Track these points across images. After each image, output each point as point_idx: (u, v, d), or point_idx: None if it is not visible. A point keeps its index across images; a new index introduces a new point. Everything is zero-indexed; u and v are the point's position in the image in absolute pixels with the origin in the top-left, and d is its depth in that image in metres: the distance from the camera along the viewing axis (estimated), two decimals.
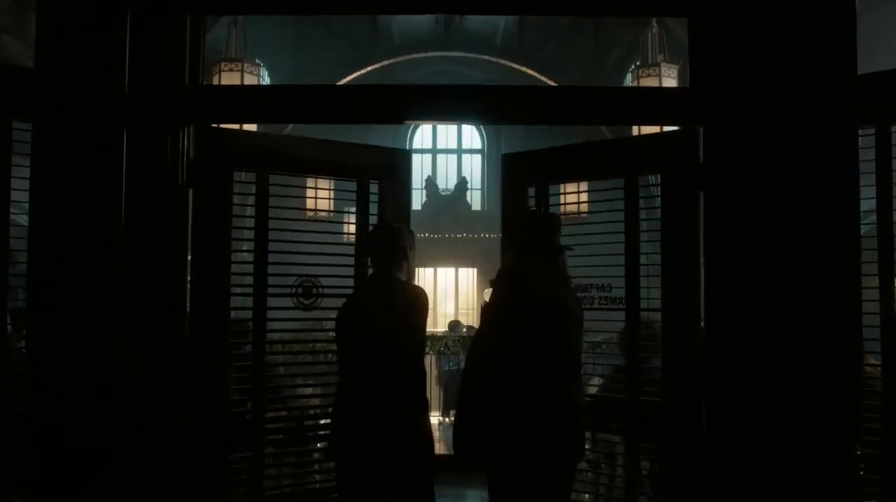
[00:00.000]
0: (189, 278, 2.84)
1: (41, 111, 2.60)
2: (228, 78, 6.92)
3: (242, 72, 6.90)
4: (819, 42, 2.61)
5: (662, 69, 6.91)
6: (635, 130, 6.85)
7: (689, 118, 2.80)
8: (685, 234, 2.88)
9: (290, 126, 15.75)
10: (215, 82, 7.00)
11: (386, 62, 15.63)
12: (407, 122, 2.93)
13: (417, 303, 2.94)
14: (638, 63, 7.00)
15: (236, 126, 6.38)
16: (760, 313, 2.68)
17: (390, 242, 3.06)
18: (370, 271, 3.17)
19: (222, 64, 6.92)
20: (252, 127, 6.68)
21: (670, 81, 6.97)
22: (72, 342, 2.52)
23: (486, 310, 2.92)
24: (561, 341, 2.75)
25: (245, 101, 2.83)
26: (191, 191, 2.85)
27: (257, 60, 7.44)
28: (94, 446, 2.50)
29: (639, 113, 2.86)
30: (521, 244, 2.99)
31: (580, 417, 2.83)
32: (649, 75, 6.96)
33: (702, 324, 2.91)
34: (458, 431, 2.80)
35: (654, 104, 2.83)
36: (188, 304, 2.83)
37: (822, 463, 2.56)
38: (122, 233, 2.63)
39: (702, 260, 2.85)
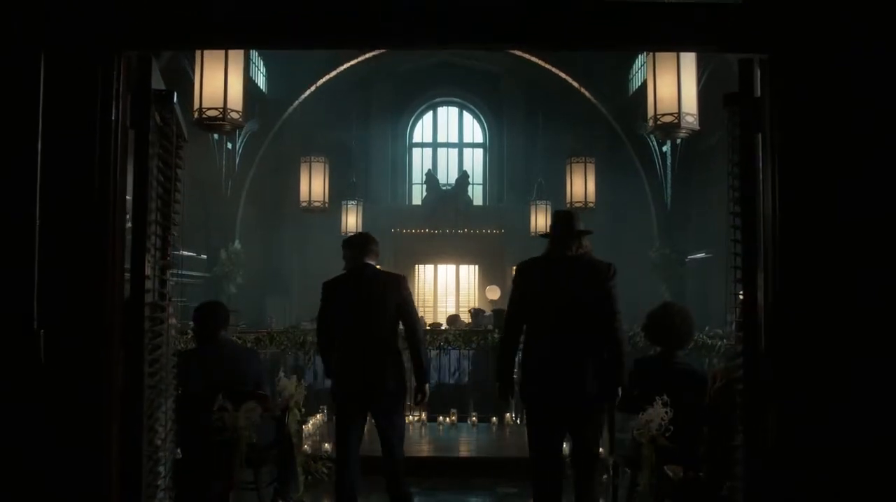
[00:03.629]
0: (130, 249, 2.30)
1: None
2: (212, 51, 6.39)
3: None
4: None
5: None
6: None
7: (744, 42, 2.26)
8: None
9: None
10: (196, 56, 6.48)
11: (384, 49, 15.09)
12: (396, 48, 2.36)
13: (397, 282, 4.25)
14: None
15: None
16: (835, 294, 2.15)
17: (366, 242, 4.32)
18: (351, 261, 4.30)
19: None
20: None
21: (689, 54, 6.45)
22: None
23: (513, 288, 3.98)
24: (569, 308, 3.70)
25: (197, 20, 2.28)
26: (131, 134, 2.30)
27: None
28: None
29: (680, 36, 2.32)
30: (551, 234, 3.92)
31: (585, 366, 3.64)
32: None
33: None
34: (499, 372, 3.95)
35: (698, 25, 2.28)
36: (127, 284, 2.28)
37: None
38: (38, 188, 2.09)
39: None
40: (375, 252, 4.28)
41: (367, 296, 4.11)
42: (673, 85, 6.33)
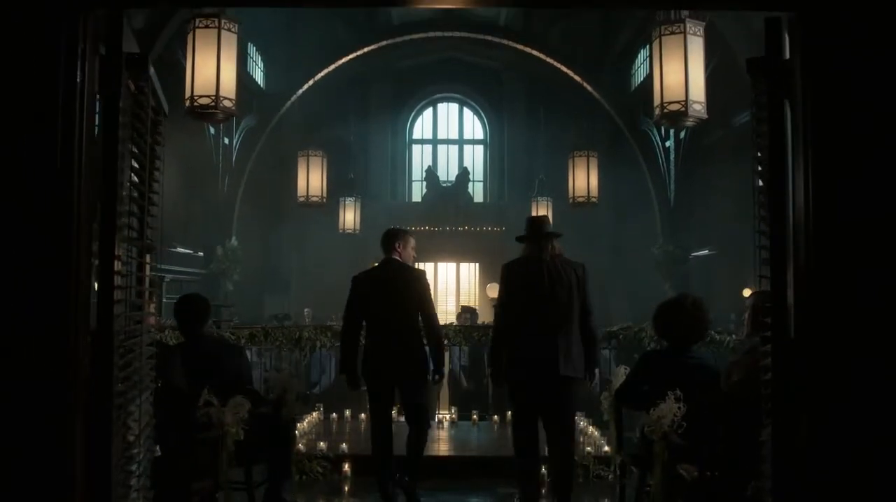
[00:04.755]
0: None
1: None
2: (203, 36, 6.19)
3: (220, 28, 6.16)
4: None
5: (688, 26, 6.18)
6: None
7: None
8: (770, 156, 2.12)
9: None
10: (188, 43, 6.28)
11: (385, 42, 14.89)
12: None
13: (417, 277, 4.74)
14: (660, 17, 6.25)
15: None
16: (877, 284, 1.95)
17: (389, 238, 4.74)
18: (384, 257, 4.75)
19: (196, 20, 6.18)
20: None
21: (696, 40, 6.25)
22: None
23: (500, 286, 4.50)
24: (547, 303, 4.23)
25: None
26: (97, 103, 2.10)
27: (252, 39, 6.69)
28: None
29: None
30: (525, 237, 4.46)
31: (559, 351, 4.14)
32: (672, 32, 6.24)
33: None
34: (493, 359, 4.51)
35: None
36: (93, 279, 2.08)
37: None
38: None
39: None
40: (398, 247, 4.72)
41: (390, 288, 4.58)
42: (680, 72, 6.12)
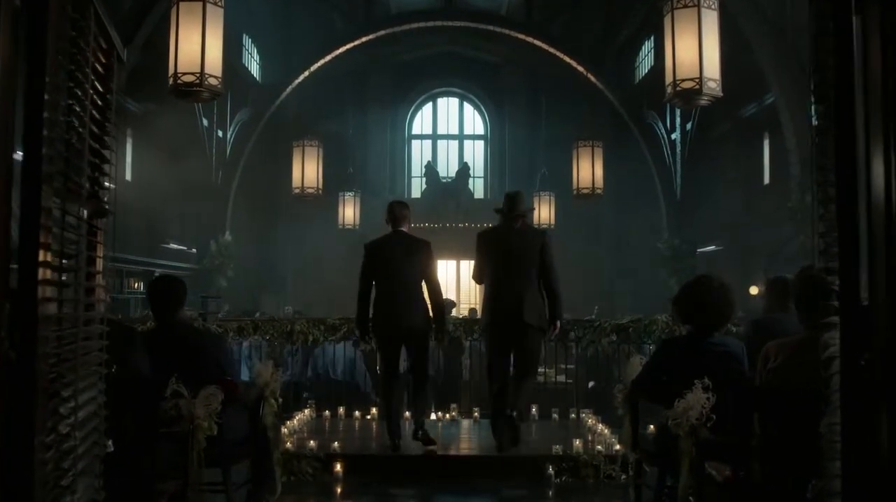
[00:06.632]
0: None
1: None
2: (187, 10, 5.84)
3: (205, 1, 5.80)
4: None
5: None
6: None
7: None
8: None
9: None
10: (171, 18, 5.93)
11: (382, 32, 14.53)
12: None
13: (423, 246, 5.29)
14: None
15: None
16: None
17: (400, 212, 5.31)
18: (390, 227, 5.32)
19: None
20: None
21: (711, 14, 5.91)
22: None
23: (476, 247, 5.45)
24: (513, 261, 5.14)
25: None
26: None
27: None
28: None
29: None
30: (502, 210, 5.34)
31: (524, 302, 5.04)
32: (686, 6, 5.90)
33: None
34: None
35: None
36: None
37: None
38: None
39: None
40: (408, 219, 5.37)
41: (399, 256, 5.16)
42: (694, 48, 5.77)
